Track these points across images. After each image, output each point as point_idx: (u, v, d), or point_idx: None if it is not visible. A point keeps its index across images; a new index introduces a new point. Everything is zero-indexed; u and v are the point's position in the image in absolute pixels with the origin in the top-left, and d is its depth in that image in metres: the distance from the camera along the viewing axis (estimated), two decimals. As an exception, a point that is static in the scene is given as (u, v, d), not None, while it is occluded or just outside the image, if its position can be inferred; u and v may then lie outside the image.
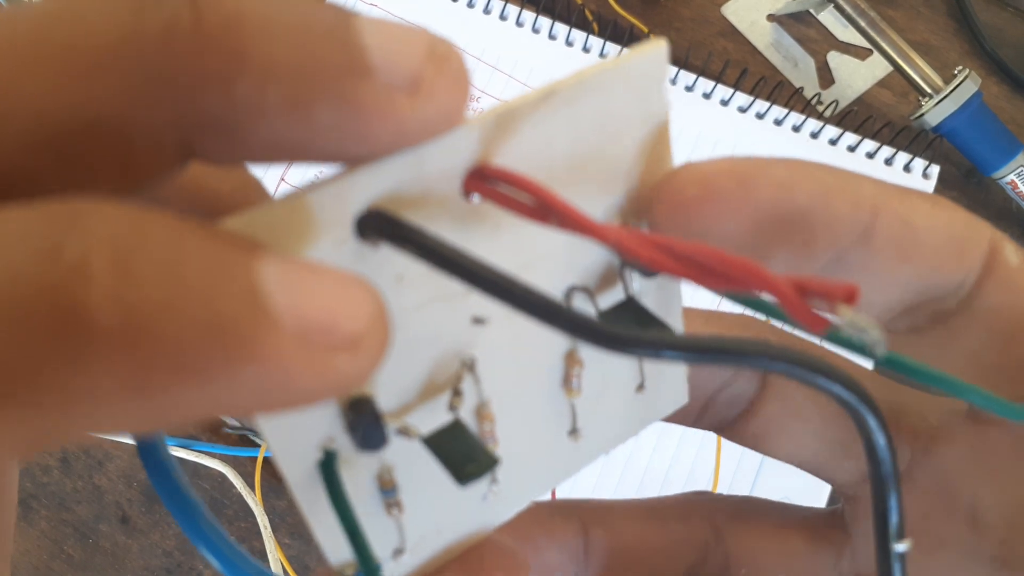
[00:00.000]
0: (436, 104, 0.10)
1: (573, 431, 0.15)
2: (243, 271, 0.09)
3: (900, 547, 0.13)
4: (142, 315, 0.08)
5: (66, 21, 0.09)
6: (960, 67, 0.52)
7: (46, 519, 0.50)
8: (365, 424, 0.12)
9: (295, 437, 0.12)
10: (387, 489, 0.13)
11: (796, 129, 0.53)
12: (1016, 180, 0.52)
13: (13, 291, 0.08)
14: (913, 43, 0.52)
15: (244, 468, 0.50)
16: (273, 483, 0.50)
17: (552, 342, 0.14)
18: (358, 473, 0.13)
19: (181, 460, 0.50)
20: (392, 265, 0.12)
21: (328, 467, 0.12)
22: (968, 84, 0.51)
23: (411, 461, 0.13)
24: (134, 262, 0.08)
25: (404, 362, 0.13)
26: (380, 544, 0.14)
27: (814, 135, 0.53)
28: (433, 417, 0.13)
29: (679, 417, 0.17)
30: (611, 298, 0.15)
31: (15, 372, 0.08)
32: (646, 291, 0.15)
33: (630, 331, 0.11)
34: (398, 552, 0.14)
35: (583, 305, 0.14)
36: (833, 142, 0.53)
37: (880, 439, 0.13)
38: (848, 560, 0.18)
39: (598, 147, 0.13)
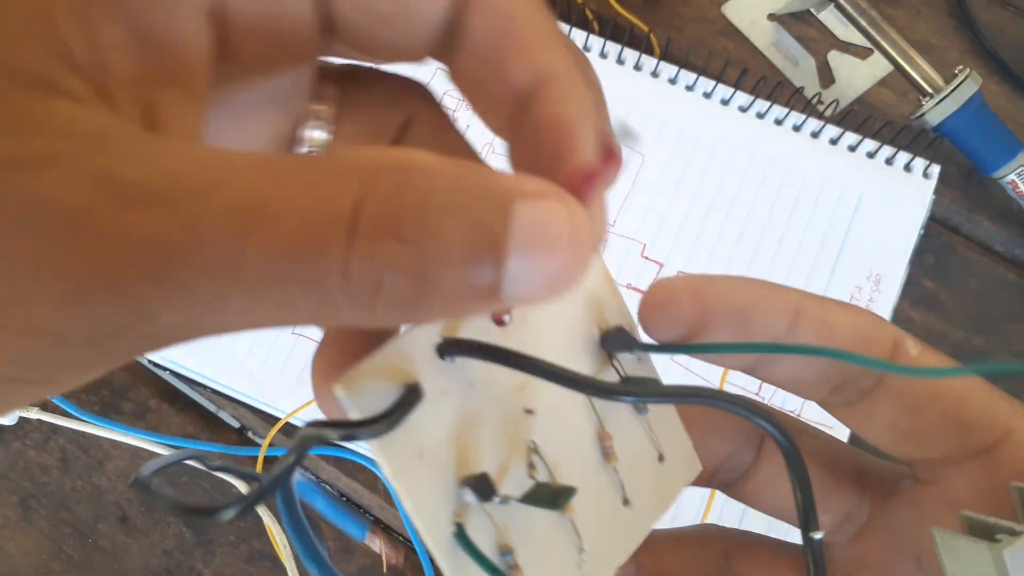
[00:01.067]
0: (558, 265, 0.13)
1: (625, 501, 0.19)
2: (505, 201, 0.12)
3: (817, 535, 0.18)
4: (431, 210, 0.12)
5: None
6: (960, 66, 0.52)
7: (46, 519, 0.50)
8: (482, 487, 0.16)
9: (434, 516, 0.16)
10: (505, 552, 0.17)
11: (796, 129, 0.53)
12: (1016, 180, 0.52)
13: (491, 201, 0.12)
14: (914, 42, 0.52)
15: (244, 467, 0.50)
16: (273, 483, 0.50)
17: (585, 422, 0.18)
18: (482, 541, 0.16)
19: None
20: (465, 373, 0.16)
21: (462, 534, 0.16)
22: (969, 83, 0.51)
23: (521, 533, 0.17)
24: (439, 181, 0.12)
25: (485, 444, 0.16)
26: None
27: (814, 135, 0.53)
28: (519, 485, 0.17)
29: (695, 481, 0.21)
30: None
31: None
32: (631, 365, 0.19)
33: (634, 385, 0.16)
34: None
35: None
36: (833, 142, 0.53)
37: (780, 433, 0.17)
38: None
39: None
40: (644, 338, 0.19)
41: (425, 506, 0.15)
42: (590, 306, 0.18)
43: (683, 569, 0.22)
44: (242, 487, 0.50)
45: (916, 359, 0.19)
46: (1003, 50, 0.55)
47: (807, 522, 0.18)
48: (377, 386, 0.14)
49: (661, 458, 0.20)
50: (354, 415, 0.14)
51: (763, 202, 0.52)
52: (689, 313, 0.18)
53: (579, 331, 0.18)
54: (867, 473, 0.21)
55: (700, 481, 0.22)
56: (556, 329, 0.17)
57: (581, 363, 0.18)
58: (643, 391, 0.17)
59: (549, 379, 0.16)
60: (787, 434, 0.17)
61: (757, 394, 0.49)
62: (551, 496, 0.17)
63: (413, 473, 0.15)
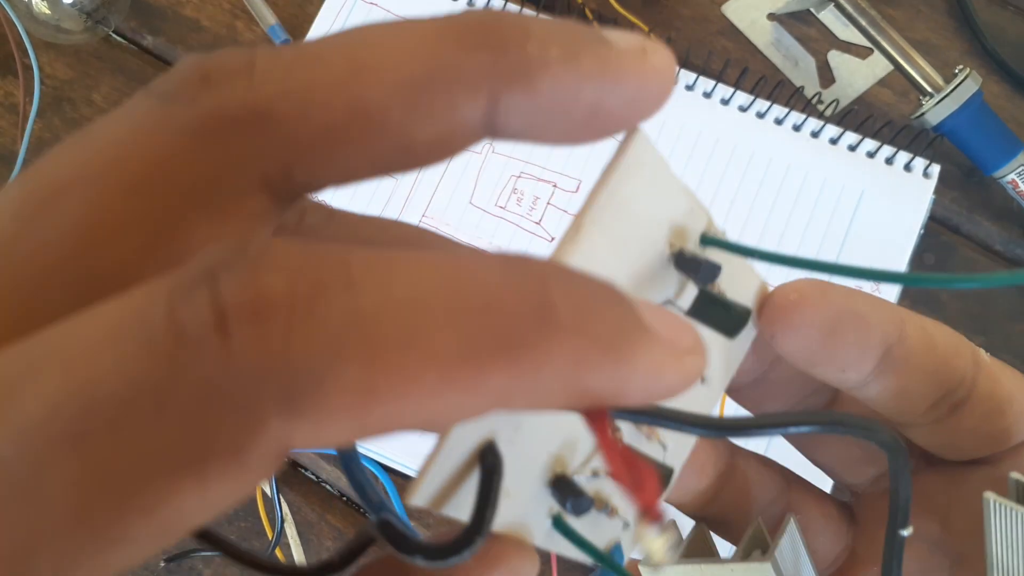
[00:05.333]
0: (658, 60, 0.14)
1: (702, 379, 0.19)
2: (626, 299, 0.12)
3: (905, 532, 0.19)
4: (586, 314, 0.12)
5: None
6: (960, 66, 0.51)
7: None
8: (573, 495, 0.16)
9: (531, 527, 0.16)
10: (602, 508, 0.17)
11: (796, 128, 0.53)
12: (1017, 179, 0.52)
13: (505, 285, 0.11)
14: (913, 42, 0.52)
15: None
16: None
17: None
18: (579, 522, 0.17)
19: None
20: (509, 420, 0.15)
21: (560, 522, 0.16)
22: (969, 83, 0.51)
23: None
24: (578, 285, 0.12)
25: (557, 444, 0.16)
26: (607, 537, 0.18)
27: (814, 134, 0.53)
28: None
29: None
30: None
31: (505, 340, 0.11)
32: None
33: (748, 420, 0.16)
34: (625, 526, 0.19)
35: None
36: (833, 141, 0.53)
37: (903, 469, 0.18)
38: (853, 535, 0.24)
39: (642, 247, 0.16)
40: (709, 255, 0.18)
41: (520, 527, 0.15)
42: (665, 226, 0.17)
43: (757, 478, 0.24)
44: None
45: (991, 363, 0.20)
46: (1003, 50, 0.55)
47: (897, 519, 0.18)
48: (453, 479, 0.13)
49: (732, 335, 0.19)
50: (451, 512, 0.13)
51: (763, 202, 0.52)
52: (822, 316, 0.19)
53: (653, 250, 0.17)
54: (908, 444, 0.23)
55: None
56: (631, 250, 0.16)
57: (658, 286, 0.17)
58: (766, 423, 0.17)
59: (676, 427, 0.16)
60: (902, 451, 0.18)
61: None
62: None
63: (504, 512, 0.14)
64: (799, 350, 0.19)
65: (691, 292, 0.18)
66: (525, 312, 0.11)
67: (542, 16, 0.13)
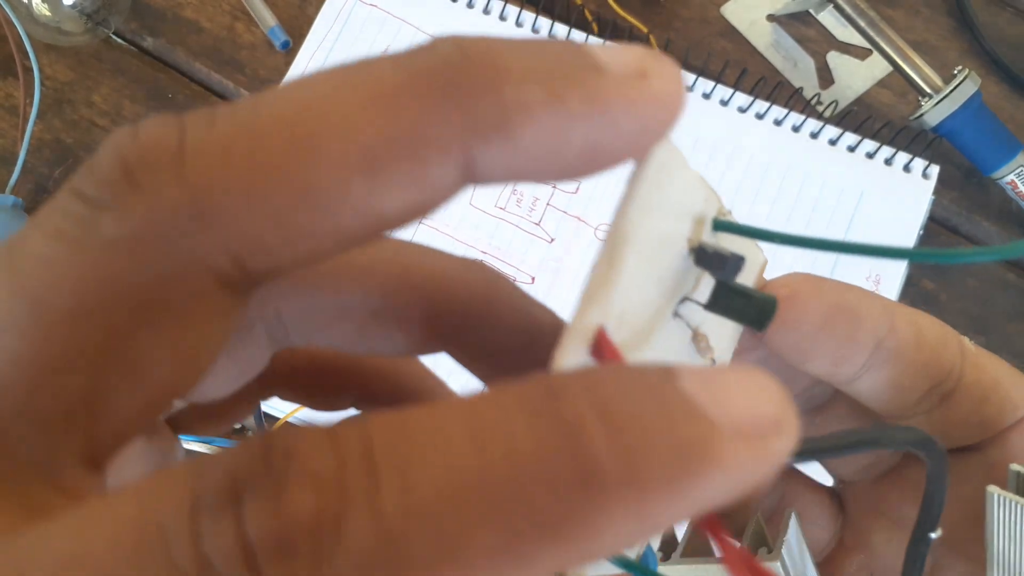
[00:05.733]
0: (661, 83, 0.12)
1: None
2: (677, 394, 0.10)
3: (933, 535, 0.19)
4: (635, 454, 0.10)
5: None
6: (959, 67, 0.52)
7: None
8: None
9: None
10: None
11: (796, 129, 0.53)
12: (1016, 180, 0.52)
13: (537, 454, 0.10)
14: (912, 43, 0.52)
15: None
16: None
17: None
18: None
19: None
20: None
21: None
22: (968, 84, 0.51)
23: None
24: (615, 413, 0.10)
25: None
26: None
27: (814, 135, 0.53)
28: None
29: None
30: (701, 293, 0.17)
31: (551, 519, 0.09)
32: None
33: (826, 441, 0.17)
34: None
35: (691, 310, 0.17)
36: (833, 142, 0.53)
37: (942, 475, 0.18)
38: (841, 524, 0.24)
39: (667, 251, 0.15)
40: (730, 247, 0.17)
41: None
42: (685, 221, 0.16)
43: None
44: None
45: (976, 353, 0.20)
46: (1002, 50, 0.55)
47: (928, 523, 0.19)
48: None
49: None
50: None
51: (762, 202, 0.52)
52: (814, 310, 0.19)
53: (674, 250, 0.16)
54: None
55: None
56: (659, 259, 0.15)
57: (678, 286, 0.16)
58: (818, 448, 0.17)
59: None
60: (944, 457, 0.18)
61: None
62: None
63: None
64: (792, 345, 0.19)
65: (706, 285, 0.17)
66: (566, 477, 0.09)
67: (518, 39, 0.12)
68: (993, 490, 0.18)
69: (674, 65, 0.12)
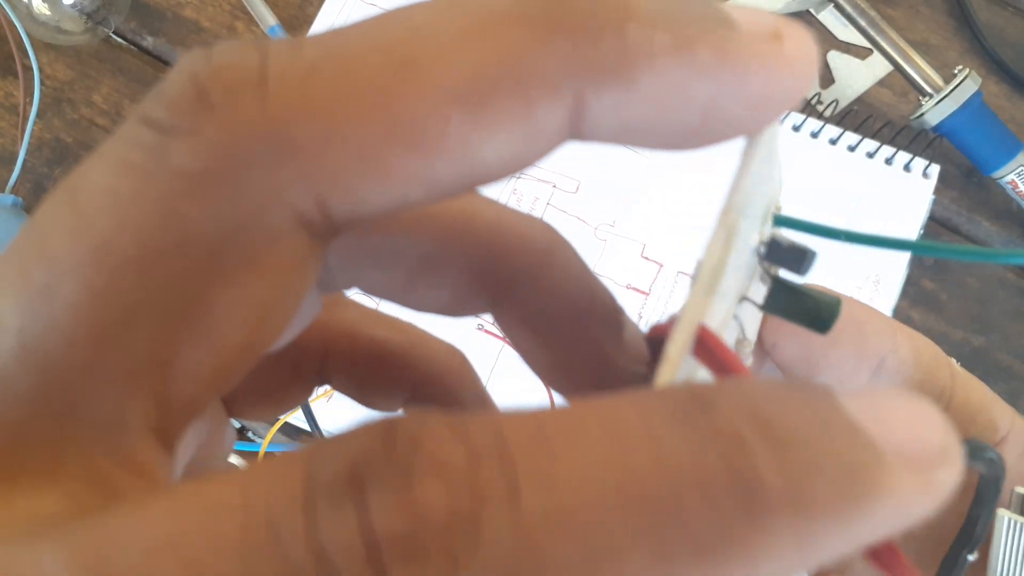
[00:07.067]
0: (796, 47, 0.11)
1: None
2: (842, 415, 0.09)
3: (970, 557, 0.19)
4: (801, 475, 0.09)
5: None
6: (960, 66, 0.52)
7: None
8: None
9: None
10: None
11: (796, 129, 0.53)
12: (1016, 180, 0.52)
13: (692, 467, 0.09)
14: (913, 42, 0.52)
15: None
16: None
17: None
18: None
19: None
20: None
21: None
22: (968, 83, 0.51)
23: None
24: (778, 430, 0.09)
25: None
26: None
27: (814, 135, 0.53)
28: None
29: None
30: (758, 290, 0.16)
31: (708, 540, 0.09)
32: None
33: None
34: None
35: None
36: (833, 142, 0.53)
37: (994, 496, 0.18)
38: None
39: (745, 245, 0.14)
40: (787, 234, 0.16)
41: None
42: (761, 212, 0.15)
43: None
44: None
45: (963, 375, 0.20)
46: (1003, 50, 0.55)
47: (967, 543, 0.18)
48: None
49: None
50: None
51: (763, 202, 0.52)
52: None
53: (747, 245, 0.14)
54: None
55: None
56: (741, 254, 0.14)
57: (746, 276, 0.15)
58: None
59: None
60: (1002, 478, 0.18)
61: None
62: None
63: None
64: (801, 359, 0.18)
65: (757, 285, 0.15)
66: (726, 495, 0.08)
67: None
68: (1004, 513, 0.18)
69: (808, 32, 0.11)
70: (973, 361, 0.51)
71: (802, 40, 0.11)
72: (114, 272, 0.10)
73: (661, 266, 0.51)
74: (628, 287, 0.51)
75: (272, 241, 0.11)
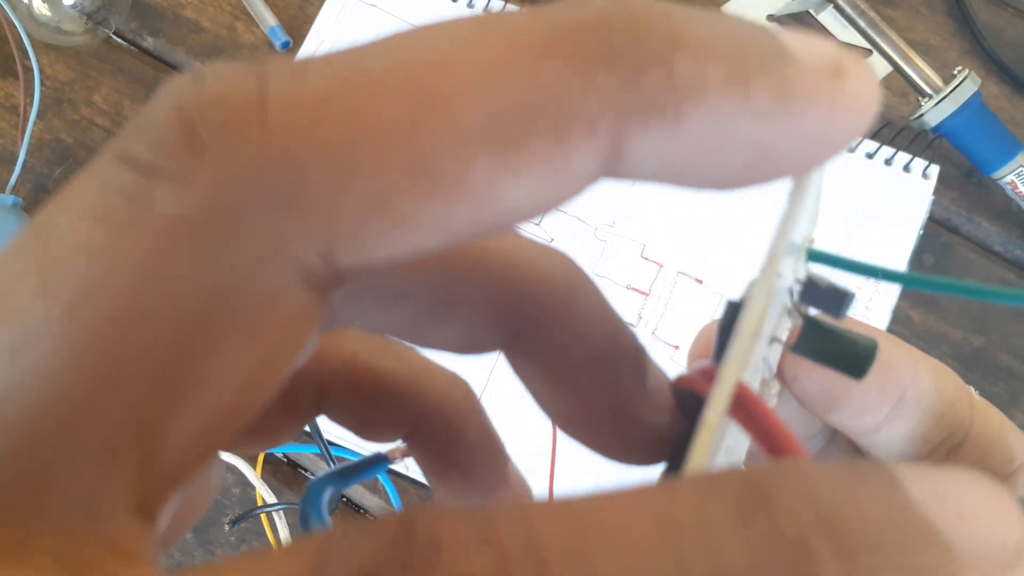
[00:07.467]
0: (858, 85, 0.10)
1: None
2: (911, 509, 0.08)
3: None
4: None
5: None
6: (960, 67, 0.52)
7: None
8: None
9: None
10: None
11: (796, 129, 0.53)
12: (1016, 180, 0.52)
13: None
14: (912, 43, 0.52)
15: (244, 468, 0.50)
16: (272, 483, 0.50)
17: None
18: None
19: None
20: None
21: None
22: (968, 84, 0.51)
23: None
24: (845, 535, 0.08)
25: None
26: None
27: (814, 135, 0.53)
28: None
29: None
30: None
31: None
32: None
33: None
34: None
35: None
36: (833, 142, 0.53)
37: None
38: None
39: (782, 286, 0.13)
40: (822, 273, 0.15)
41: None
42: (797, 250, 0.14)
43: None
44: (234, 484, 0.50)
45: (982, 404, 0.19)
46: (1002, 50, 0.55)
47: None
48: None
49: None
50: None
51: (762, 203, 0.52)
52: None
53: (782, 285, 0.14)
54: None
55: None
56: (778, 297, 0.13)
57: (778, 318, 0.14)
58: None
59: None
60: None
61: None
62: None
63: None
64: (823, 393, 0.17)
65: (785, 323, 0.14)
66: None
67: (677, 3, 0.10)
68: None
69: (870, 66, 0.10)
70: (973, 361, 0.51)
71: (865, 76, 0.10)
72: (90, 335, 0.09)
73: (661, 266, 0.51)
74: (628, 287, 0.51)
75: (270, 298, 0.09)
